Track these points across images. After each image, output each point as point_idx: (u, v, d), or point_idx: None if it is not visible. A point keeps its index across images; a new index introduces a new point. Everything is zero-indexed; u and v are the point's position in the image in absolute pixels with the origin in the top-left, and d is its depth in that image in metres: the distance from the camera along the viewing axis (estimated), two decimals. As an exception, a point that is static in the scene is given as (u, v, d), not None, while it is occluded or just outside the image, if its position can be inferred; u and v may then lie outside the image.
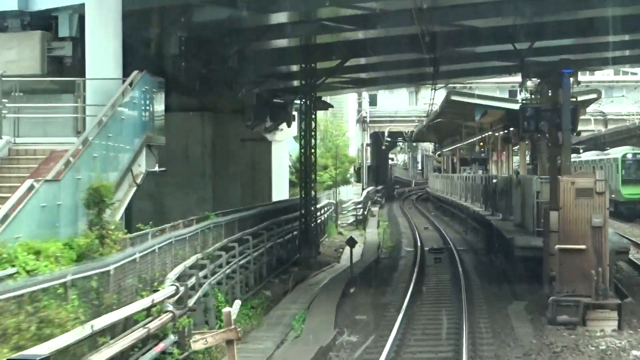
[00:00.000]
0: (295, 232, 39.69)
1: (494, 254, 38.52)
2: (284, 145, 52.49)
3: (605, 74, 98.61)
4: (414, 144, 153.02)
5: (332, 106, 46.21)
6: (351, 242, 33.09)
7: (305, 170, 41.91)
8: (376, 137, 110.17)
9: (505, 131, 46.08)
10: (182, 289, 17.01)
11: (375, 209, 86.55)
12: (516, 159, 73.81)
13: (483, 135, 59.02)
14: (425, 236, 54.47)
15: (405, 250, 46.29)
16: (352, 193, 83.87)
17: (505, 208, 37.85)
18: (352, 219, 62.45)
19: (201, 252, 22.45)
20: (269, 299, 29.49)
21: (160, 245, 17.92)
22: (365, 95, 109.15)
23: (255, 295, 29.10)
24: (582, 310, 23.36)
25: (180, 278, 18.83)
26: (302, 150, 43.27)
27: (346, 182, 65.27)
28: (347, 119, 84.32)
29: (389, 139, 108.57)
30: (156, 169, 24.20)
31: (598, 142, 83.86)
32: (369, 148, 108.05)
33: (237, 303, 24.32)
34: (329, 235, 52.51)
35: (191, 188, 36.08)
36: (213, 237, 25.15)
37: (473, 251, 43.97)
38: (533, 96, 35.98)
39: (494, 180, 42.81)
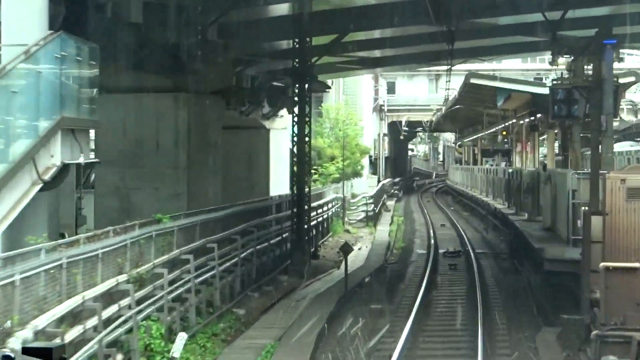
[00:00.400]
0: (286, 234, 33.99)
1: (518, 260, 32.71)
2: (285, 134, 46.78)
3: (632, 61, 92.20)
4: (435, 134, 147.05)
5: (329, 87, 40.45)
6: (345, 249, 27.19)
7: (298, 162, 36.24)
8: (394, 127, 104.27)
9: (532, 118, 40.17)
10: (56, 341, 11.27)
11: (391, 202, 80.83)
12: (541, 150, 68.12)
13: (506, 124, 53.11)
14: (442, 235, 48.68)
15: (417, 253, 40.52)
16: (366, 186, 78.14)
17: (532, 207, 32.00)
18: (362, 215, 56.64)
19: (129, 271, 16.76)
20: (241, 319, 23.79)
21: (33, 271, 12.20)
22: (383, 82, 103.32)
23: (223, 317, 23.40)
24: (636, 349, 17.56)
25: (78, 316, 13.16)
26: (294, 140, 37.60)
27: (357, 174, 59.47)
28: (360, 106, 78.46)
29: (406, 129, 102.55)
30: (81, 160, 18.58)
31: (628, 133, 77.74)
32: (386, 138, 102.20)
33: (181, 337, 18.66)
34: (334, 234, 46.79)
35: (162, 182, 30.41)
36: (157, 249, 19.49)
37: (493, 255, 38.18)
38: (567, 74, 30.12)
39: (517, 174, 36.93)
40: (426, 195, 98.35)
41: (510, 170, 40.65)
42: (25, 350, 3.98)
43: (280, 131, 46.53)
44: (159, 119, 30.83)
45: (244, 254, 27.54)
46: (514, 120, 49.15)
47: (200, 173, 31.15)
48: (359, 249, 41.80)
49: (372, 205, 56.41)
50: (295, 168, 37.42)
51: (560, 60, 31.62)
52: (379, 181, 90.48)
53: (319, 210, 43.56)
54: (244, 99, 42.36)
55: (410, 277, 32.22)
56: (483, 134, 66.39)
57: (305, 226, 34.10)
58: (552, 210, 26.69)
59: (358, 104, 77.98)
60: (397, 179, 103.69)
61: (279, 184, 46.17)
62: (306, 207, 34.56)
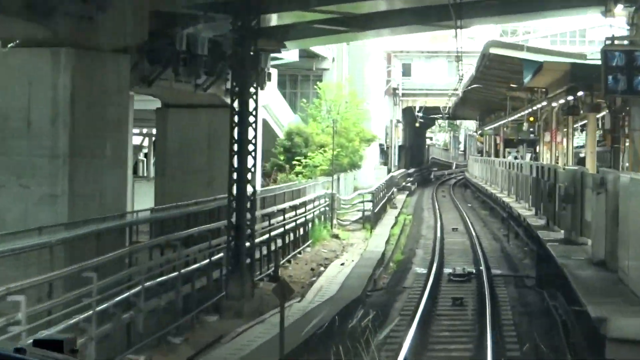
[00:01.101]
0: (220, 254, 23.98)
1: (550, 295, 22.67)
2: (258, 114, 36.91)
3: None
4: (457, 122, 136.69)
5: (284, 45, 30.50)
6: (281, 291, 16.81)
7: (239, 152, 26.32)
8: (410, 113, 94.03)
9: (569, 98, 30.04)
10: None
11: (401, 197, 70.85)
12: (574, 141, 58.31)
13: (534, 108, 42.96)
14: (452, 243, 38.75)
15: (415, 274, 30.55)
16: (373, 178, 68.20)
17: (572, 222, 21.86)
18: (359, 215, 46.63)
19: None
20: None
21: None
22: (398, 64, 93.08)
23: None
24: None
25: None
26: (234, 125, 27.74)
27: (354, 165, 49.41)
28: (366, 86, 68.29)
29: (419, 114, 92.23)
30: None
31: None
32: (400, 125, 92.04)
33: None
34: (315, 243, 36.76)
35: (33, 177, 20.62)
36: None
37: (515, 280, 28.16)
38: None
39: (550, 172, 26.64)
40: (442, 188, 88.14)
41: (539, 166, 30.50)
42: (37, 343, 3.88)
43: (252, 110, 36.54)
44: (31, 85, 21.02)
45: (131, 292, 17.65)
46: (544, 103, 38.96)
47: (91, 165, 21.31)
48: (342, 264, 31.86)
49: (372, 204, 46.25)
50: (235, 159, 27.37)
51: (617, 10, 21.63)
52: (390, 172, 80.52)
53: (292, 214, 33.71)
54: (198, 68, 32.69)
55: (396, 316, 22.21)
56: (506, 120, 56.10)
57: (249, 242, 24.03)
58: (611, 235, 16.55)
59: (364, 85, 67.84)
60: (411, 170, 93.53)
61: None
62: (250, 216, 24.50)
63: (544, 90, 36.66)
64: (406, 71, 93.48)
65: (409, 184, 79.92)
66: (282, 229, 30.78)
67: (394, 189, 70.09)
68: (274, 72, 62.04)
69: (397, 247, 38.67)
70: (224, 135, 35.90)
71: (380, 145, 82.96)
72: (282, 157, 43.60)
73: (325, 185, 44.69)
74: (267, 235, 29.24)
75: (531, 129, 71.65)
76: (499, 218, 47.69)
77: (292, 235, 32.90)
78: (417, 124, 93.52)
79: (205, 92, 34.02)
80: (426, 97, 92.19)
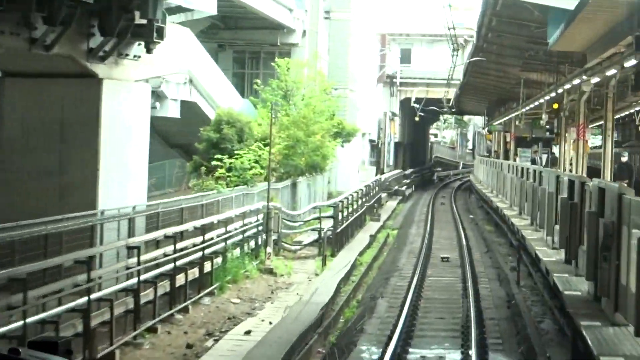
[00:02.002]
0: None
1: None
2: (141, 90, 24.34)
3: None
4: (465, 118, 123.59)
5: None
6: None
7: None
8: (409, 106, 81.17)
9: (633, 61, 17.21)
10: None
11: (392, 203, 58.21)
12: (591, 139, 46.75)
13: (559, 90, 30.26)
14: (435, 289, 26.07)
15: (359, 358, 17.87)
16: (356, 181, 55.59)
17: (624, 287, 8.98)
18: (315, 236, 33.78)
19: None
20: None
21: None
22: (396, 49, 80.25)
23: None
24: None
25: None
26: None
27: (315, 168, 36.49)
28: (349, 70, 55.43)
29: (416, 105, 79.30)
30: None
31: None
32: (397, 119, 79.24)
33: None
34: (225, 289, 23.92)
35: None
36: None
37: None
38: None
39: (596, 193, 13.72)
40: (443, 193, 75.27)
41: (574, 181, 17.64)
42: (32, 344, 3.88)
43: (131, 85, 24.01)
44: None
45: None
46: (576, 82, 26.10)
47: None
48: (248, 332, 19.02)
49: (334, 220, 33.32)
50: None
51: None
52: (383, 172, 67.83)
53: (190, 243, 21.16)
54: (29, 12, 20.59)
55: None
56: (519, 112, 43.28)
57: None
58: None
59: (347, 69, 55.07)
60: (408, 171, 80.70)
61: (126, 181, 23.89)
62: None
63: (579, 55, 23.81)
64: (405, 57, 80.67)
65: (403, 188, 67.10)
66: (154, 271, 18.17)
67: (382, 195, 57.45)
68: (228, 55, 49.95)
69: (357, 291, 26.00)
70: (86, 121, 23.52)
71: (372, 141, 70.21)
72: (213, 155, 30.92)
73: (277, 194, 32.17)
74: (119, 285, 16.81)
75: (547, 126, 59.37)
76: (506, 246, 35.03)
77: (175, 280, 20.22)
78: (417, 118, 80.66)
79: (50, 52, 21.67)
80: (427, 88, 79.37)
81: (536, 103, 37.24)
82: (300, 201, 36.97)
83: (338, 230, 33.05)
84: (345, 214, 37.14)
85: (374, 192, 51.29)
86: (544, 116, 37.39)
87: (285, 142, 34.53)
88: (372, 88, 67.59)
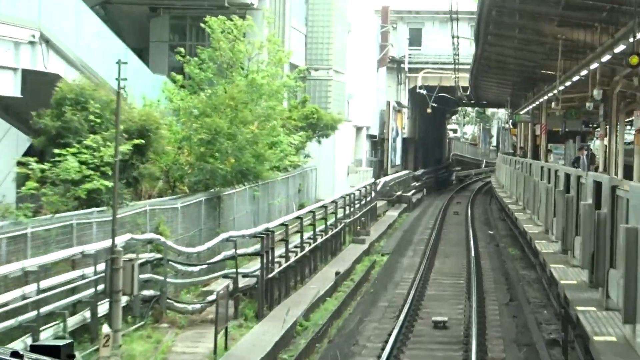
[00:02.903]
0: None
1: None
2: None
3: None
4: (488, 111, 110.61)
5: None
6: None
7: None
8: (421, 96, 68.44)
9: None
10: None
11: (392, 213, 45.79)
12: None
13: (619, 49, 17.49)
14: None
15: None
16: (347, 186, 43.29)
17: None
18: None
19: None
20: None
21: None
22: (404, 30, 67.58)
23: None
24: None
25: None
26: None
27: (245, 175, 23.83)
28: (331, 47, 42.55)
29: (422, 90, 66.51)
30: None
31: None
32: (405, 110, 66.54)
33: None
34: None
35: None
36: None
37: None
38: None
39: None
40: (460, 197, 62.53)
41: None
42: (34, 348, 3.85)
43: None
44: None
45: None
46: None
47: None
48: None
49: (261, 261, 20.69)
50: None
51: None
52: (383, 175, 55.30)
53: None
54: None
55: None
56: (555, 91, 30.58)
57: None
58: None
59: (329, 45, 42.43)
60: (420, 172, 67.99)
61: None
62: None
63: None
64: (415, 39, 67.92)
65: (410, 193, 54.43)
66: None
67: (380, 203, 45.01)
68: (163, 22, 37.47)
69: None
70: None
71: (373, 137, 57.63)
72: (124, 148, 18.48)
73: (175, 217, 19.80)
74: None
75: (584, 119, 47.87)
76: (540, 294, 22.48)
77: None
78: (429, 110, 67.88)
79: None
80: (441, 74, 66.63)
81: (583, 73, 24.49)
82: (234, 224, 24.49)
83: (273, 274, 20.50)
84: (300, 241, 24.72)
85: (365, 200, 38.84)
86: (595, 92, 24.59)
87: (199, 134, 22.06)
88: (370, 72, 55.05)
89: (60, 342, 3.87)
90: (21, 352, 3.59)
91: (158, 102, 23.49)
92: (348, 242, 32.97)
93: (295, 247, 24.84)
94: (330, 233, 29.32)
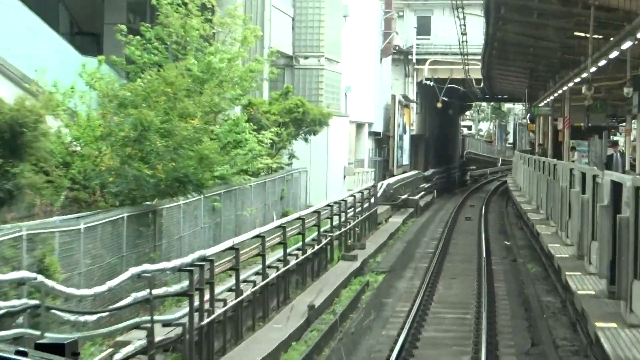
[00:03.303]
0: None
1: None
2: None
3: None
4: (505, 107, 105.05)
5: None
6: None
7: None
8: (431, 90, 62.93)
9: None
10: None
11: (396, 220, 40.52)
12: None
13: None
14: None
15: None
16: (343, 190, 38.14)
17: None
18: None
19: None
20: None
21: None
22: (411, 18, 62.13)
23: None
24: None
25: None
26: None
27: (184, 182, 18.53)
28: (319, 33, 36.92)
29: (428, 82, 61.01)
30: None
31: None
32: (414, 106, 60.99)
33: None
34: None
35: None
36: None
37: None
38: None
39: None
40: (474, 200, 57.02)
41: None
42: (38, 346, 3.82)
43: None
44: None
45: None
46: None
47: None
48: None
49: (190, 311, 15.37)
50: None
51: None
52: (390, 176, 49.83)
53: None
54: None
55: None
56: (586, 74, 25.00)
57: None
58: None
59: (317, 31, 36.90)
60: (429, 172, 62.54)
61: None
62: None
63: None
64: (423, 28, 62.33)
65: (417, 196, 48.93)
66: None
67: (383, 208, 39.65)
68: (120, 2, 32.05)
69: None
70: None
71: (377, 135, 52.17)
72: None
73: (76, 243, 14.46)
74: None
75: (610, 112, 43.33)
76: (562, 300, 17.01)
77: None
78: (439, 104, 62.27)
79: None
80: (452, 66, 61.08)
81: (624, 46, 18.95)
82: (180, 244, 19.07)
83: (211, 318, 15.08)
84: (262, 267, 19.31)
85: (362, 207, 33.48)
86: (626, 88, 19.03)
87: (122, 131, 16.69)
88: (372, 63, 49.53)
89: (65, 340, 3.82)
90: (26, 350, 3.53)
91: (72, 89, 18.02)
92: (338, 258, 27.57)
93: (257, 273, 19.48)
94: (310, 251, 23.92)
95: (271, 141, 24.78)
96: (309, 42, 36.48)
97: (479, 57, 49.26)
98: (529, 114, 55.18)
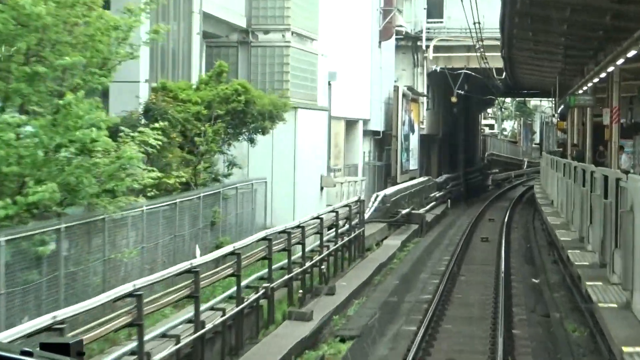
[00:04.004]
0: None
1: None
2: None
3: None
4: (530, 103, 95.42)
5: None
6: None
7: None
8: (445, 82, 53.70)
9: None
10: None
11: (391, 243, 31.48)
12: None
13: None
14: None
15: None
16: (321, 205, 29.05)
17: None
18: None
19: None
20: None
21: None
22: (421, -2, 52.88)
23: None
24: None
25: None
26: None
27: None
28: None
29: (436, 68, 51.67)
30: None
31: None
32: (424, 100, 51.75)
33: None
34: None
35: None
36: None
37: None
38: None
39: None
40: (493, 212, 47.64)
41: None
42: (43, 346, 3.77)
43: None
44: None
45: None
46: None
47: None
48: None
49: None
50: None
51: None
52: (393, 184, 40.73)
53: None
54: None
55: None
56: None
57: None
58: None
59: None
60: (444, 177, 53.36)
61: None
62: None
63: None
64: (434, 9, 52.99)
65: (423, 210, 39.70)
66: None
67: (362, 233, 30.52)
68: None
69: None
70: None
71: (375, 134, 42.99)
72: None
73: None
74: None
75: None
76: None
77: None
78: (454, 99, 52.90)
79: None
80: (468, 53, 51.62)
81: None
82: None
83: None
84: None
85: (336, 231, 24.46)
86: None
87: None
88: (367, 46, 40.25)
89: (70, 340, 3.81)
90: (31, 350, 3.55)
91: None
92: (284, 315, 18.45)
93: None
94: (229, 313, 14.89)
95: (159, 144, 15.54)
96: (269, 11, 27.32)
97: (498, 43, 40.00)
98: (561, 107, 45.65)
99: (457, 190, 56.64)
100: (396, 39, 49.90)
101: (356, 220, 27.72)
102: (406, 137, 45.73)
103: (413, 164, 48.27)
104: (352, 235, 26.73)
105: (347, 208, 26.56)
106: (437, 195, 47.70)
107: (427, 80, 52.59)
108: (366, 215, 33.90)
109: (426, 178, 48.10)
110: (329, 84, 33.33)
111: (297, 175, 27.02)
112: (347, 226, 26.77)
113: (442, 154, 59.00)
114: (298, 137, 26.66)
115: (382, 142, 44.38)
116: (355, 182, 34.71)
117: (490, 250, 31.31)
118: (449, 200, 49.36)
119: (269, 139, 24.55)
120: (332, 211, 25.55)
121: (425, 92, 51.82)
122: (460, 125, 64.01)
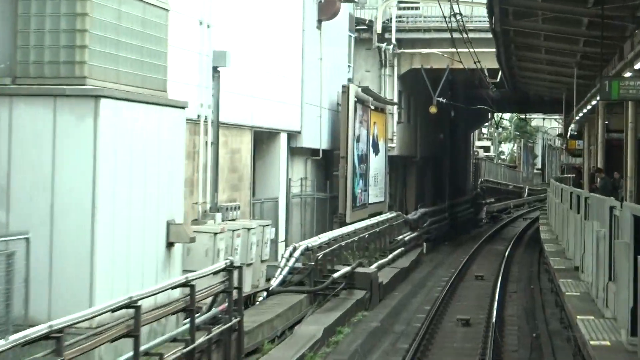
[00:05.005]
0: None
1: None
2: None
3: None
4: (531, 120, 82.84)
5: None
6: None
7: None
8: (424, 86, 40.84)
9: None
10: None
11: (313, 329, 17.98)
12: None
13: None
14: None
15: None
16: (160, 276, 15.55)
17: None
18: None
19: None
20: None
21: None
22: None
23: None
24: None
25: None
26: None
27: None
28: None
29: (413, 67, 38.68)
30: None
31: None
32: (394, 110, 38.92)
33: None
34: None
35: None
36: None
37: None
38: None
39: None
40: (485, 260, 34.68)
41: None
42: None
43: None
44: None
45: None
46: None
47: None
48: None
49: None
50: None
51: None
52: (340, 224, 28.04)
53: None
54: None
55: None
56: None
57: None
58: None
59: None
60: (419, 213, 40.39)
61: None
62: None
63: None
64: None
65: (373, 266, 26.76)
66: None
67: (239, 334, 17.48)
68: None
69: None
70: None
71: (313, 152, 29.86)
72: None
73: None
74: None
75: None
76: None
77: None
78: (434, 109, 40.01)
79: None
80: (453, 49, 38.66)
81: None
82: None
83: None
84: None
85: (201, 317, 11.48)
86: None
87: None
88: (295, 28, 27.39)
89: None
90: None
91: None
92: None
93: None
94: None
95: None
96: None
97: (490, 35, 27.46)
98: (577, 119, 32.42)
99: (441, 227, 43.75)
100: (357, 30, 37.36)
101: (227, 303, 15.03)
102: (362, 159, 32.82)
103: (377, 196, 35.33)
104: (215, 330, 14.16)
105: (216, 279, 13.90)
106: (409, 237, 34.78)
107: (399, 85, 39.84)
108: (274, 282, 21.16)
109: (393, 214, 35.18)
110: (215, 69, 20.57)
111: (99, 222, 13.97)
112: (210, 313, 14.63)
113: (422, 181, 46.00)
114: (102, 150, 13.80)
115: (327, 165, 31.46)
116: (263, 226, 21.63)
117: (473, 341, 18.27)
118: (424, 244, 36.44)
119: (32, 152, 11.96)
120: (178, 286, 13.31)
121: (396, 100, 39.05)
122: (446, 146, 51.08)
